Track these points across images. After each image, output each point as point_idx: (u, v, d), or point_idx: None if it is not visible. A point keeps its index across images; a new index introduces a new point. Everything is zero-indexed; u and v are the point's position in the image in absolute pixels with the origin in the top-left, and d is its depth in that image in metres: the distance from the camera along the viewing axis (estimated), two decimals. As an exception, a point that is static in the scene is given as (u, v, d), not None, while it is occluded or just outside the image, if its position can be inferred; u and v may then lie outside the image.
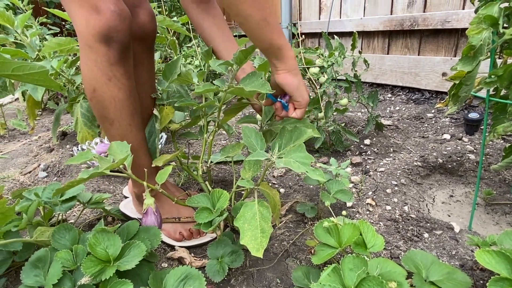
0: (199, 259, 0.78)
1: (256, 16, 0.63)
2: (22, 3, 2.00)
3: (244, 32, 0.67)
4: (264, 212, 0.64)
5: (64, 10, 0.80)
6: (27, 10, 2.36)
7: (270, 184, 1.12)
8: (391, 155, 1.27)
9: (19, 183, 1.23)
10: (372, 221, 0.89)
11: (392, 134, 1.49)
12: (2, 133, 1.85)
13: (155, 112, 0.88)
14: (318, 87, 1.30)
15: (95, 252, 0.58)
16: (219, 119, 0.78)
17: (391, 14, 1.95)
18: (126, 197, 1.06)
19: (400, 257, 0.74)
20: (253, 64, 1.02)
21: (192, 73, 0.93)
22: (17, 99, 2.52)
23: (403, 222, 0.86)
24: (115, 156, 0.67)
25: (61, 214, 0.89)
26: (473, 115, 1.37)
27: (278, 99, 0.77)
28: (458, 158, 1.16)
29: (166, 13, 2.72)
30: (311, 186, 1.09)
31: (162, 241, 0.84)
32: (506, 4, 0.67)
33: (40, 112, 2.33)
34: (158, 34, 1.58)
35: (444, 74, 1.74)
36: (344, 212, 0.66)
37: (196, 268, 0.75)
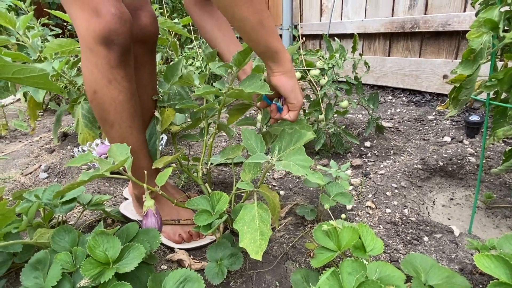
0: (198, 261, 0.78)
1: (252, 19, 0.63)
2: (24, 4, 2.01)
3: (240, 35, 0.67)
4: (263, 214, 0.64)
5: (65, 12, 0.81)
6: (29, 11, 2.37)
7: (270, 186, 1.12)
8: (392, 157, 1.27)
9: (20, 184, 1.23)
10: (372, 224, 0.89)
11: (393, 136, 1.48)
12: (3, 133, 1.86)
13: (156, 114, 0.88)
14: (319, 89, 1.30)
15: (94, 254, 0.58)
16: (219, 121, 0.78)
17: (392, 16, 1.95)
18: (126, 199, 1.06)
19: (400, 261, 0.74)
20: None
21: (193, 74, 0.93)
22: (18, 100, 2.53)
23: (403, 225, 0.86)
24: (115, 158, 0.67)
25: (61, 216, 0.89)
26: (474, 118, 1.37)
27: (274, 102, 0.78)
28: (459, 161, 1.16)
29: (168, 14, 2.73)
30: (311, 189, 1.09)
31: (161, 243, 0.85)
32: (507, 8, 0.67)
33: (41, 113, 2.34)
34: (159, 36, 1.59)
35: (445, 77, 1.74)
36: (343, 215, 0.66)
37: (195, 270, 0.75)
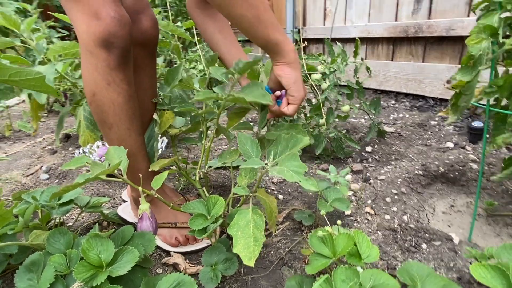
0: (194, 265, 0.77)
1: (247, 15, 0.63)
2: (30, 6, 2.04)
3: (239, 30, 0.67)
4: (258, 220, 0.63)
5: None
6: (35, 14, 2.40)
7: (268, 191, 1.12)
8: (393, 163, 1.26)
9: (21, 185, 1.24)
10: (370, 230, 0.88)
11: (395, 141, 1.47)
12: (7, 134, 1.88)
13: (155, 116, 0.88)
14: (320, 93, 1.30)
15: (87, 257, 0.58)
16: (218, 125, 0.78)
17: (395, 20, 1.94)
18: (125, 201, 1.06)
19: (397, 268, 0.73)
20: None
21: (195, 78, 0.93)
22: (23, 101, 2.55)
23: (401, 232, 0.85)
24: (112, 161, 0.68)
25: (59, 218, 0.90)
26: (477, 124, 1.36)
27: (269, 91, 0.76)
28: (460, 168, 1.14)
29: (172, 17, 2.75)
30: (310, 193, 1.08)
31: (157, 246, 0.84)
32: (508, 14, 0.66)
33: (46, 114, 2.36)
34: (162, 39, 1.60)
35: (448, 82, 1.72)
36: (339, 222, 0.66)
37: (190, 274, 0.75)
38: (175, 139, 0.96)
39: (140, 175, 0.70)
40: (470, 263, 0.73)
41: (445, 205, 1.02)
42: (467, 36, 0.65)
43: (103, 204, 1.04)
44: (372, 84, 2.14)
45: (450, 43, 1.71)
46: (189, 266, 0.77)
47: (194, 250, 0.83)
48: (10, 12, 2.78)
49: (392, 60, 2.03)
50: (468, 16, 1.60)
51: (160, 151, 1.29)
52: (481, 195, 1.02)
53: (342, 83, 1.31)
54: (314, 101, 1.38)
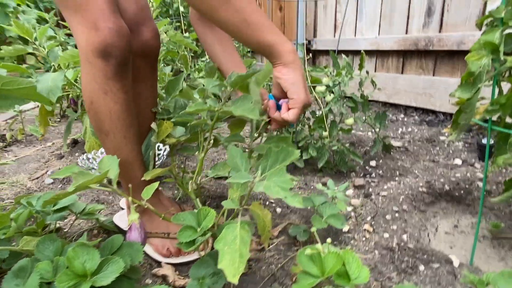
0: (183, 277, 0.77)
1: (234, 20, 0.62)
2: (48, 15, 2.12)
3: (230, 35, 0.66)
4: (245, 236, 0.62)
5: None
6: (56, 22, 2.49)
7: (267, 203, 1.11)
8: (397, 178, 1.23)
9: (26, 189, 1.27)
10: (367, 248, 0.85)
11: (401, 156, 1.44)
12: (20, 138, 1.93)
13: (153, 125, 0.89)
14: (325, 105, 1.29)
15: (72, 265, 0.58)
16: (211, 137, 0.78)
17: (406, 33, 1.92)
18: (123, 209, 1.07)
19: (391, 290, 0.70)
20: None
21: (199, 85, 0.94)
22: (38, 106, 2.63)
23: (399, 252, 0.82)
24: (104, 169, 0.68)
25: (56, 223, 0.91)
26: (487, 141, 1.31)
27: (272, 98, 0.74)
28: (467, 186, 1.10)
29: (185, 27, 2.80)
30: (309, 207, 1.06)
31: (149, 256, 0.84)
32: (511, 30, 0.64)
33: (59, 119, 2.43)
34: (171, 49, 1.63)
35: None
36: (328, 240, 0.64)
37: (178, 287, 0.74)
38: (173, 149, 0.96)
39: (130, 185, 0.70)
40: (470, 289, 0.70)
41: (449, 225, 0.98)
42: (479, 51, 0.63)
43: (101, 211, 1.05)
44: (382, 97, 2.11)
45: (461, 58, 1.68)
46: (178, 278, 0.76)
47: (185, 261, 0.82)
48: (32, 20, 2.90)
49: (402, 73, 2.00)
50: (480, 30, 1.56)
51: (162, 159, 1.30)
52: (488, 216, 0.98)
53: (349, 96, 1.30)
54: (319, 113, 1.37)
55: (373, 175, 1.27)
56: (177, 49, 1.60)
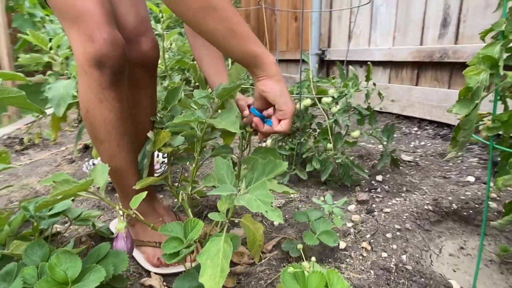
0: (169, 289, 0.76)
1: (220, 29, 0.62)
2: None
3: (213, 46, 0.66)
4: (227, 250, 0.61)
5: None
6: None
7: (281, 212, 1.08)
8: (403, 194, 1.18)
9: (34, 192, 1.31)
10: (363, 267, 0.82)
11: (410, 171, 1.39)
12: (37, 141, 2.01)
13: (149, 134, 0.89)
14: (331, 117, 1.26)
15: (53, 272, 0.59)
16: (201, 148, 0.77)
17: (421, 44, 1.87)
18: (122, 215, 1.08)
19: (383, 315, 0.67)
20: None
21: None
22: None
23: (396, 274, 0.78)
24: (96, 177, 0.69)
25: (53, 228, 0.92)
26: (502, 158, 1.24)
27: (256, 112, 0.73)
28: (477, 205, 1.04)
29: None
30: (307, 222, 1.03)
31: (139, 265, 0.84)
32: (514, 44, 0.61)
33: (76, 124, 2.51)
34: (180, 58, 1.65)
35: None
36: (313, 258, 0.61)
37: (163, 298, 0.73)
38: (170, 158, 0.96)
39: (117, 194, 0.71)
40: (468, 318, 0.65)
41: (454, 247, 0.93)
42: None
43: (100, 217, 1.07)
44: (395, 109, 2.05)
45: (478, 70, 1.61)
46: (165, 289, 0.75)
47: (174, 272, 0.81)
48: (58, 30, 3.04)
49: (416, 85, 1.94)
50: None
51: (164, 168, 1.31)
52: (497, 239, 0.92)
53: (357, 107, 1.27)
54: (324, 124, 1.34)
55: (379, 190, 1.23)
56: (187, 59, 1.63)
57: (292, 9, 3.10)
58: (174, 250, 0.66)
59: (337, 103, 1.27)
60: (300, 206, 1.15)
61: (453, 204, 1.06)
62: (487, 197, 0.66)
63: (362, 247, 0.89)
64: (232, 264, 0.84)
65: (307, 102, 1.31)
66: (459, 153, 0.72)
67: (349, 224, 1.01)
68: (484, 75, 0.58)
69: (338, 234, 0.96)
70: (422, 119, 1.93)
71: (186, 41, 1.57)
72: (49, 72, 2.86)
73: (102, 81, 0.73)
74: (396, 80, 2.06)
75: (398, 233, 0.95)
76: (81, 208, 0.90)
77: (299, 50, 2.85)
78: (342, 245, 0.90)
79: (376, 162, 1.49)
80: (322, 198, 0.98)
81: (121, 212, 0.69)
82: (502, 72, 0.57)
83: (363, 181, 1.30)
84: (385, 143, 1.31)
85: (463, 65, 1.67)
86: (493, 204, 1.04)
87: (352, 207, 1.11)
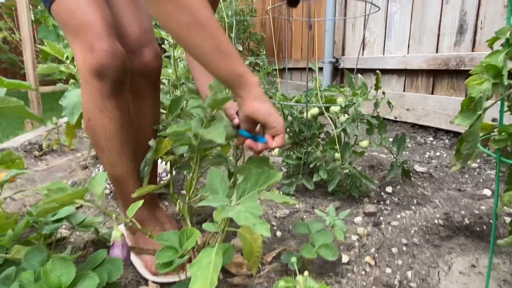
0: (165, 298, 0.75)
1: (207, 46, 0.61)
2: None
3: (199, 63, 0.65)
4: (218, 262, 0.60)
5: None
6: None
7: (269, 226, 1.07)
8: (413, 207, 1.14)
9: (47, 197, 1.35)
10: (364, 283, 0.79)
11: (423, 183, 1.34)
12: (55, 147, 2.08)
13: (150, 143, 0.90)
14: (339, 125, 1.24)
15: (47, 278, 0.60)
16: (198, 158, 0.77)
17: (436, 52, 1.82)
18: (126, 222, 1.09)
19: (381, 334, 0.64)
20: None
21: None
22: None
23: (398, 291, 0.75)
24: (94, 186, 0.70)
25: (60, 233, 0.95)
26: (521, 171, 1.18)
27: (245, 134, 0.73)
28: (491, 220, 0.99)
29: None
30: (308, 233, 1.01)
31: (138, 273, 0.84)
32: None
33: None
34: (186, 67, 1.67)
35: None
36: (306, 272, 0.59)
37: (158, 308, 0.73)
38: (172, 166, 0.97)
39: (122, 201, 0.71)
40: None
41: (465, 264, 0.88)
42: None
43: (106, 223, 1.09)
44: (410, 118, 1.99)
45: (497, 78, 1.55)
46: (160, 298, 0.75)
47: (172, 281, 0.81)
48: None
49: (432, 94, 1.88)
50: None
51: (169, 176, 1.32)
52: (512, 257, 0.87)
53: (366, 117, 1.24)
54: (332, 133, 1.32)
55: (387, 202, 1.19)
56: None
57: (306, 17, 3.10)
58: (168, 260, 0.66)
59: (345, 112, 1.25)
60: (305, 216, 1.13)
61: (466, 219, 1.01)
62: (495, 212, 0.63)
63: (366, 262, 0.86)
64: (230, 274, 0.83)
65: (315, 111, 1.29)
66: (470, 164, 0.68)
67: (354, 237, 0.98)
68: (487, 85, 0.55)
69: (341, 247, 0.93)
70: (438, 129, 1.87)
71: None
72: (71, 80, 2.96)
73: (103, 90, 0.75)
74: (411, 89, 2.01)
75: (404, 248, 0.91)
76: (85, 215, 0.91)
77: (313, 58, 2.84)
78: (345, 258, 0.88)
79: (387, 173, 1.45)
80: (318, 210, 0.96)
81: (117, 220, 0.70)
82: (506, 82, 0.54)
83: (372, 192, 1.26)
84: (395, 154, 1.27)
85: (481, 73, 1.61)
86: (508, 219, 0.99)
87: (358, 219, 1.08)
